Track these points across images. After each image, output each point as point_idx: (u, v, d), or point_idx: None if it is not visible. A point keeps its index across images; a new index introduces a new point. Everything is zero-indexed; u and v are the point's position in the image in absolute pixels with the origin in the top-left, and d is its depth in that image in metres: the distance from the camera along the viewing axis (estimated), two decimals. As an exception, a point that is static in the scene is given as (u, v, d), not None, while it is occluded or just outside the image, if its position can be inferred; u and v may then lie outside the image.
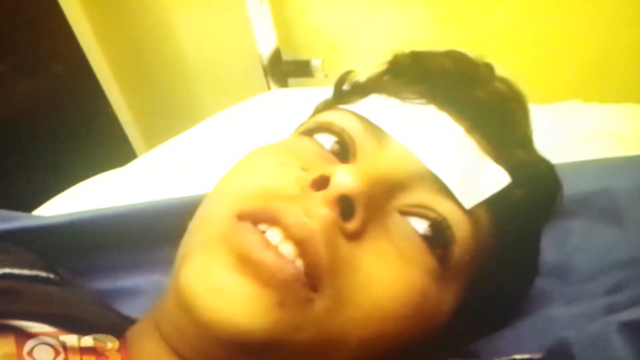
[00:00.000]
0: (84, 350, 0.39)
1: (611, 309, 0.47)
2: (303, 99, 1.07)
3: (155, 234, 0.59)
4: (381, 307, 0.39)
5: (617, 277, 0.52)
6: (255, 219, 0.38)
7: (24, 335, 0.39)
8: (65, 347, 0.38)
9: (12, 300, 0.46)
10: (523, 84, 0.52)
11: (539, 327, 0.50)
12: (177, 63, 1.65)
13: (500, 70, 0.53)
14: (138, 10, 1.60)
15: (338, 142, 0.46)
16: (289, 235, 0.37)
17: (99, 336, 0.40)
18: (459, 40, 1.22)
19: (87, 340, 0.40)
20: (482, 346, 0.49)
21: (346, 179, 0.38)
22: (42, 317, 0.45)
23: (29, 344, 0.38)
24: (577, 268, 0.56)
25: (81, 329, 0.46)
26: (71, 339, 0.40)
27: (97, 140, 1.54)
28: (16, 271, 0.49)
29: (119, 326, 0.48)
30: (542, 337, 0.47)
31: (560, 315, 0.50)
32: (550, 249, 0.57)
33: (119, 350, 0.42)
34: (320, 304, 0.37)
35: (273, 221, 0.37)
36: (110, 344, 0.41)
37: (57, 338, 0.39)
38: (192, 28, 1.58)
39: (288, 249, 0.37)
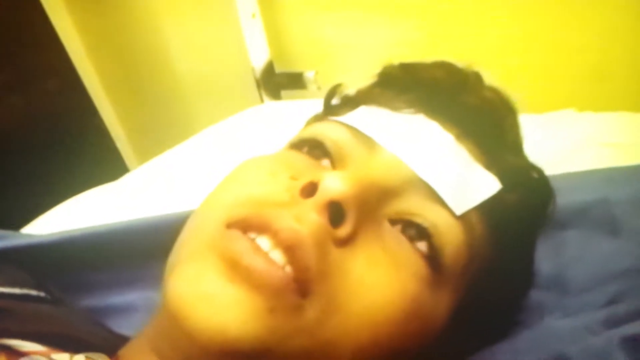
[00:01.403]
0: None
1: (609, 322, 0.46)
2: (296, 111, 1.07)
3: (148, 251, 0.58)
4: (373, 313, 0.39)
5: (614, 289, 0.52)
6: (245, 226, 0.38)
7: (15, 354, 0.38)
8: None
9: (3, 319, 0.46)
10: (518, 93, 0.52)
11: (536, 339, 0.49)
12: (169, 77, 1.65)
13: (489, 79, 0.53)
14: (130, 25, 1.60)
15: (328, 153, 0.47)
16: (278, 242, 0.36)
17: (91, 355, 0.39)
18: (453, 51, 1.21)
19: (79, 358, 0.39)
20: (480, 359, 0.48)
21: (335, 184, 0.38)
22: (33, 336, 0.45)
23: None
24: (574, 279, 0.56)
25: (73, 348, 0.46)
26: (63, 358, 0.39)
27: (88, 155, 1.54)
28: (6, 290, 0.49)
29: (111, 344, 0.48)
30: (540, 349, 0.46)
31: (558, 327, 0.50)
32: (547, 260, 0.56)
33: None
34: (311, 310, 0.37)
35: (262, 229, 0.37)
36: None
37: (48, 357, 0.38)
38: (184, 42, 1.59)
39: (277, 256, 0.36)
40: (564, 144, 0.85)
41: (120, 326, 0.56)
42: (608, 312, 0.48)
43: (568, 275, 0.57)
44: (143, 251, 0.59)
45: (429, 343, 0.44)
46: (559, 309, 0.53)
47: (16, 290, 0.50)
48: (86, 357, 0.39)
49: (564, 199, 0.53)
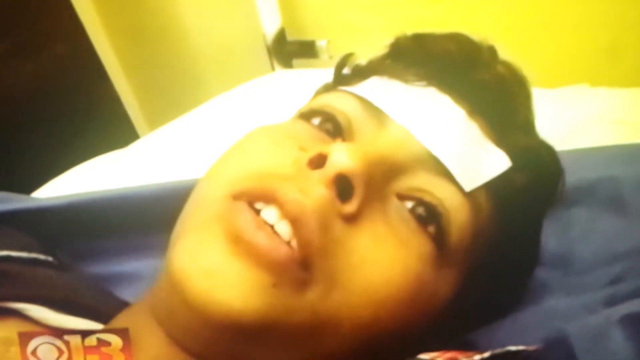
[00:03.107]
0: (87, 350, 0.38)
1: (611, 301, 0.46)
2: (308, 80, 1.05)
3: (155, 218, 0.57)
4: (375, 291, 0.39)
5: (619, 268, 0.51)
6: (251, 197, 0.38)
7: (27, 335, 0.38)
8: (69, 346, 0.38)
9: (12, 282, 0.46)
10: (530, 67, 0.51)
11: (538, 317, 0.49)
12: (180, 43, 1.64)
13: (503, 53, 0.52)
14: (142, -10, 1.59)
15: (336, 125, 0.46)
16: (285, 213, 0.36)
17: (103, 335, 0.39)
18: (467, 24, 1.20)
19: (91, 340, 0.39)
20: (480, 336, 0.49)
21: (344, 157, 0.37)
22: (42, 300, 0.45)
23: (33, 343, 0.38)
24: (579, 258, 0.56)
25: (80, 313, 0.47)
26: (75, 339, 0.39)
27: (99, 121, 1.53)
28: (14, 254, 0.50)
29: (117, 311, 0.48)
30: (542, 328, 0.46)
31: (561, 306, 0.50)
32: (552, 238, 0.56)
33: (122, 349, 0.41)
34: (314, 287, 0.37)
35: (269, 199, 0.37)
36: (114, 343, 0.41)
37: (61, 337, 0.39)
38: (196, 8, 1.57)
39: (284, 229, 0.36)
40: (576, 119, 0.84)
41: (125, 294, 0.56)
42: (610, 292, 0.48)
43: (573, 253, 0.56)
44: (150, 218, 0.59)
45: (430, 320, 0.44)
46: (562, 287, 0.53)
47: (24, 254, 0.50)
48: (98, 338, 0.39)
49: (572, 176, 0.52)
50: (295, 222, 0.36)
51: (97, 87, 1.62)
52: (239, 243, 0.36)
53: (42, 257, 0.52)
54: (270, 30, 1.41)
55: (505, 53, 0.52)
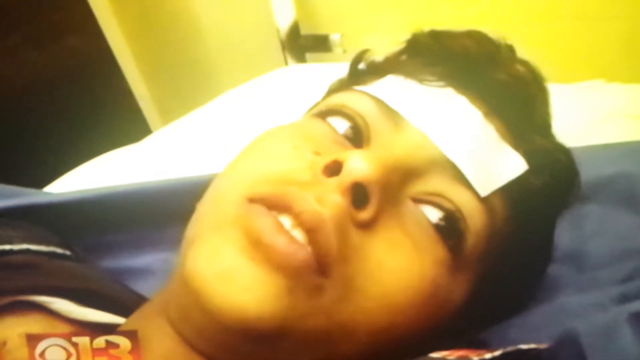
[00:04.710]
0: (96, 352, 0.39)
1: (623, 298, 0.46)
2: (321, 74, 1.05)
3: (167, 213, 0.58)
4: (391, 297, 0.39)
5: (631, 266, 0.51)
6: (267, 205, 0.38)
7: (36, 337, 0.39)
8: (77, 348, 0.38)
9: (32, 275, 0.47)
10: (545, 62, 0.50)
11: (550, 315, 0.49)
12: (193, 36, 1.64)
13: (521, 52, 0.51)
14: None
15: (352, 127, 0.45)
16: (299, 223, 0.36)
17: (111, 337, 0.39)
18: (480, 16, 1.19)
19: (99, 342, 0.39)
20: (491, 334, 0.48)
21: (360, 165, 0.37)
22: (64, 292, 0.46)
23: (41, 346, 0.38)
24: (592, 255, 0.55)
25: (102, 305, 0.47)
26: (83, 341, 0.40)
27: (111, 114, 1.54)
28: (33, 247, 0.50)
29: (136, 303, 0.49)
30: (553, 325, 0.46)
31: (572, 303, 0.49)
32: (565, 235, 0.55)
33: (131, 351, 0.41)
34: (330, 292, 0.37)
35: (284, 209, 0.37)
36: (123, 345, 0.41)
37: (69, 339, 0.39)
38: (209, 1, 1.57)
39: (298, 235, 0.36)
40: (591, 114, 0.83)
41: (137, 288, 0.56)
42: (623, 289, 0.48)
43: (586, 250, 0.56)
44: (163, 213, 0.59)
45: (442, 324, 0.43)
46: (574, 284, 0.53)
47: (42, 248, 0.51)
48: (106, 340, 0.40)
49: (586, 173, 0.51)
50: (310, 232, 0.36)
51: (109, 81, 1.62)
52: (258, 247, 0.35)
53: (59, 250, 0.52)
54: (284, 24, 1.41)
55: (523, 51, 0.51)
